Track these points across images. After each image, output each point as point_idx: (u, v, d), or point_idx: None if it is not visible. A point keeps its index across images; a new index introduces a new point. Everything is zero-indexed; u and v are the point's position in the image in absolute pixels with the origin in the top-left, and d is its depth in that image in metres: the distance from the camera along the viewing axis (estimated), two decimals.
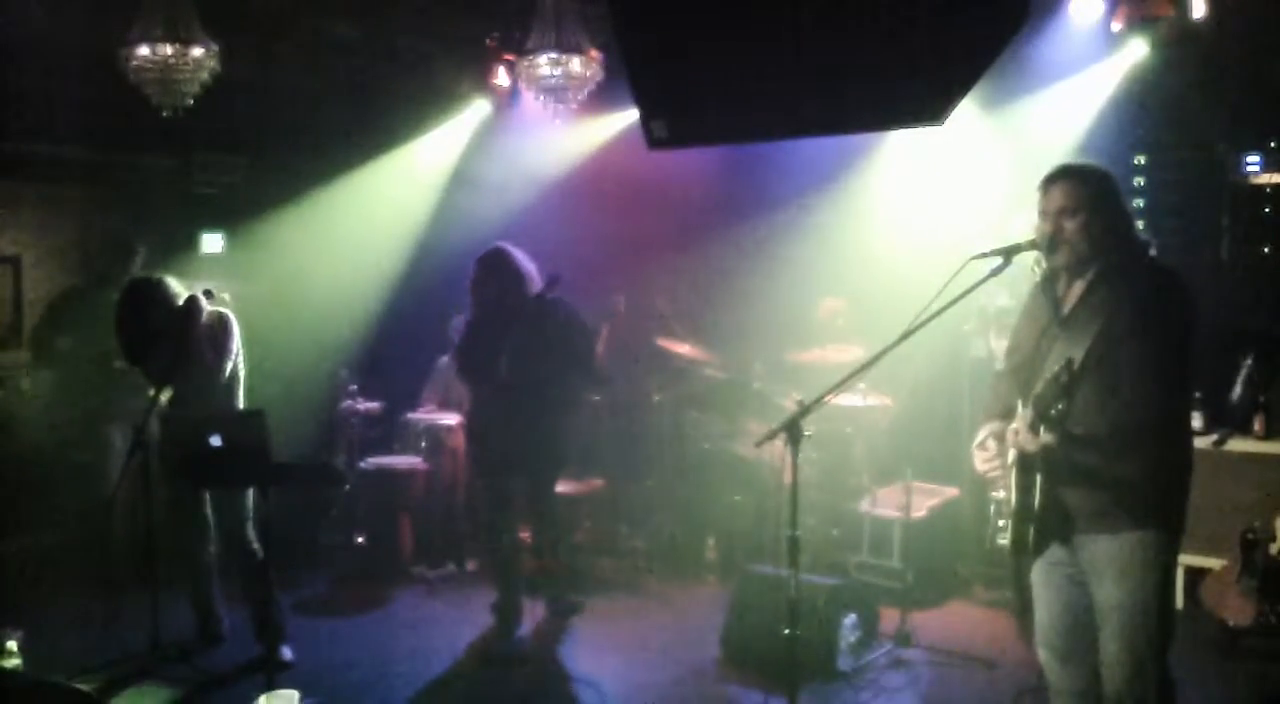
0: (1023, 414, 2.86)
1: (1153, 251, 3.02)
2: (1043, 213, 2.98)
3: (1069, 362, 2.69)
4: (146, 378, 4.72)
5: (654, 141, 3.03)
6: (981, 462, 3.07)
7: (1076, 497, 2.89)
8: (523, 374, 4.92)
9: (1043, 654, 3.12)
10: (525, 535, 5.88)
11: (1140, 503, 2.85)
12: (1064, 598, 3.03)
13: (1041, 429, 2.76)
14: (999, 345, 5.06)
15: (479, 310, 5.14)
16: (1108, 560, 2.87)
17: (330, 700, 4.30)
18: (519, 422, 4.98)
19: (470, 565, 6.11)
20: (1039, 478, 2.87)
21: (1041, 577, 3.09)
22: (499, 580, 5.23)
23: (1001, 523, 3.09)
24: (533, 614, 5.23)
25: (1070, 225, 2.92)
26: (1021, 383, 3.07)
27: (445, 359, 6.76)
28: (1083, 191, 2.94)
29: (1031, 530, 2.93)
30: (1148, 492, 2.86)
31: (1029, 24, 5.51)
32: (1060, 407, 2.70)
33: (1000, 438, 3.02)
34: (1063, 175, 2.98)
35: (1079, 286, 2.98)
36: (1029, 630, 3.29)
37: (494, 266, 5.04)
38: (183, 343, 4.49)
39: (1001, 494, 3.10)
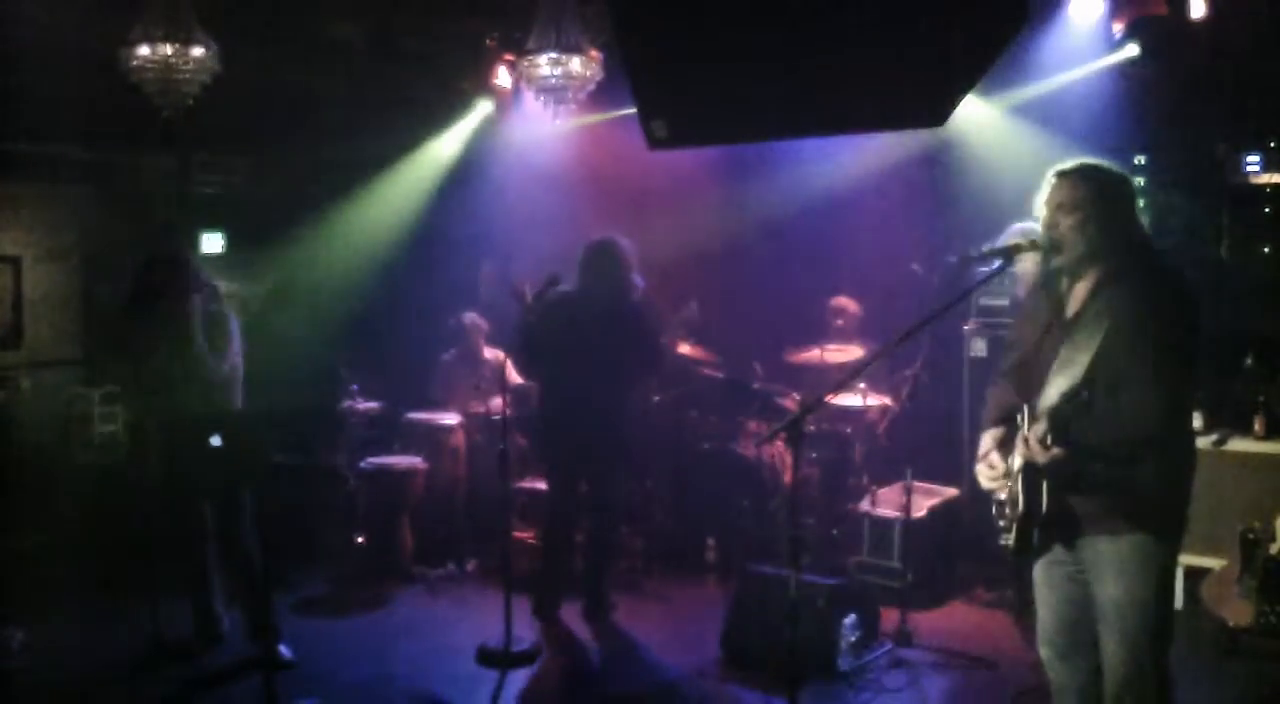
0: (1033, 423, 2.86)
1: (1161, 254, 3.02)
2: (1045, 202, 3.00)
3: (1088, 381, 2.70)
4: (149, 373, 4.72)
5: (654, 141, 3.03)
6: (987, 479, 3.07)
7: (1082, 501, 2.89)
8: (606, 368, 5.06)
9: (1044, 652, 3.13)
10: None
11: (1143, 505, 2.85)
12: (1065, 596, 3.04)
13: (1050, 441, 2.77)
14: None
15: (577, 297, 5.14)
16: (1109, 561, 2.88)
17: (330, 700, 4.30)
18: (598, 416, 5.08)
19: (470, 565, 6.10)
20: (1045, 484, 2.88)
21: (1042, 575, 3.09)
22: (552, 576, 5.25)
23: (1002, 523, 3.08)
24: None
25: (1066, 222, 2.93)
26: (1020, 383, 3.07)
27: (447, 357, 6.76)
28: (1082, 190, 2.94)
29: (1036, 533, 2.94)
30: (1151, 495, 2.86)
31: (1029, 24, 5.53)
32: (1081, 425, 2.71)
33: (1004, 451, 3.02)
34: (1070, 171, 2.99)
35: (1082, 288, 2.97)
36: (1028, 630, 3.30)
37: (603, 256, 5.13)
38: (182, 336, 4.48)
39: (1003, 495, 3.10)
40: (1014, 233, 4.77)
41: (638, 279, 5.17)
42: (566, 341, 5.05)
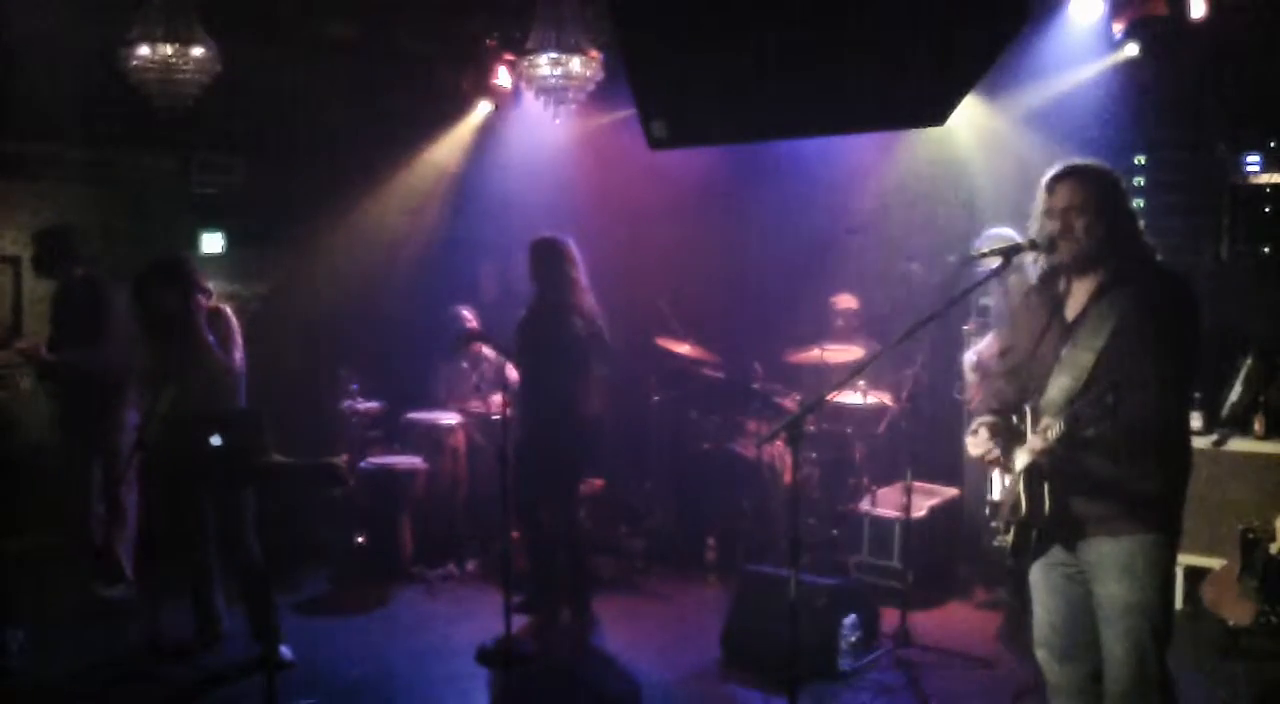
0: (1037, 423, 2.85)
1: (1158, 255, 3.01)
2: (1048, 211, 2.95)
3: (1092, 385, 2.70)
4: (152, 371, 4.72)
5: (654, 141, 3.04)
6: (973, 446, 3.06)
7: (1084, 503, 2.89)
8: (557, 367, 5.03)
9: (1041, 654, 3.12)
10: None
11: (1144, 505, 2.85)
12: (1063, 597, 3.03)
13: (1063, 441, 2.77)
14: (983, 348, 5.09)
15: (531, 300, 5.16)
16: (1111, 562, 2.87)
17: (330, 700, 4.30)
18: (553, 416, 5.07)
19: (470, 565, 6.11)
20: (1047, 486, 2.87)
21: (1040, 577, 3.09)
22: (536, 574, 5.27)
23: (997, 524, 3.08)
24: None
25: (1078, 224, 2.89)
26: (1019, 385, 3.07)
27: (445, 362, 6.77)
28: (1090, 190, 2.92)
29: (1034, 534, 2.93)
30: (1152, 494, 2.86)
31: (1029, 24, 5.53)
32: (1102, 428, 2.70)
33: (992, 428, 3.02)
34: (1070, 174, 2.96)
35: (1085, 289, 2.96)
36: (1024, 631, 3.30)
37: (546, 256, 5.12)
38: (187, 337, 4.48)
39: (997, 496, 3.10)
40: (990, 238, 4.78)
41: (583, 278, 5.14)
42: (524, 345, 5.08)
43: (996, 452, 3.01)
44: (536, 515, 5.23)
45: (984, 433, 3.03)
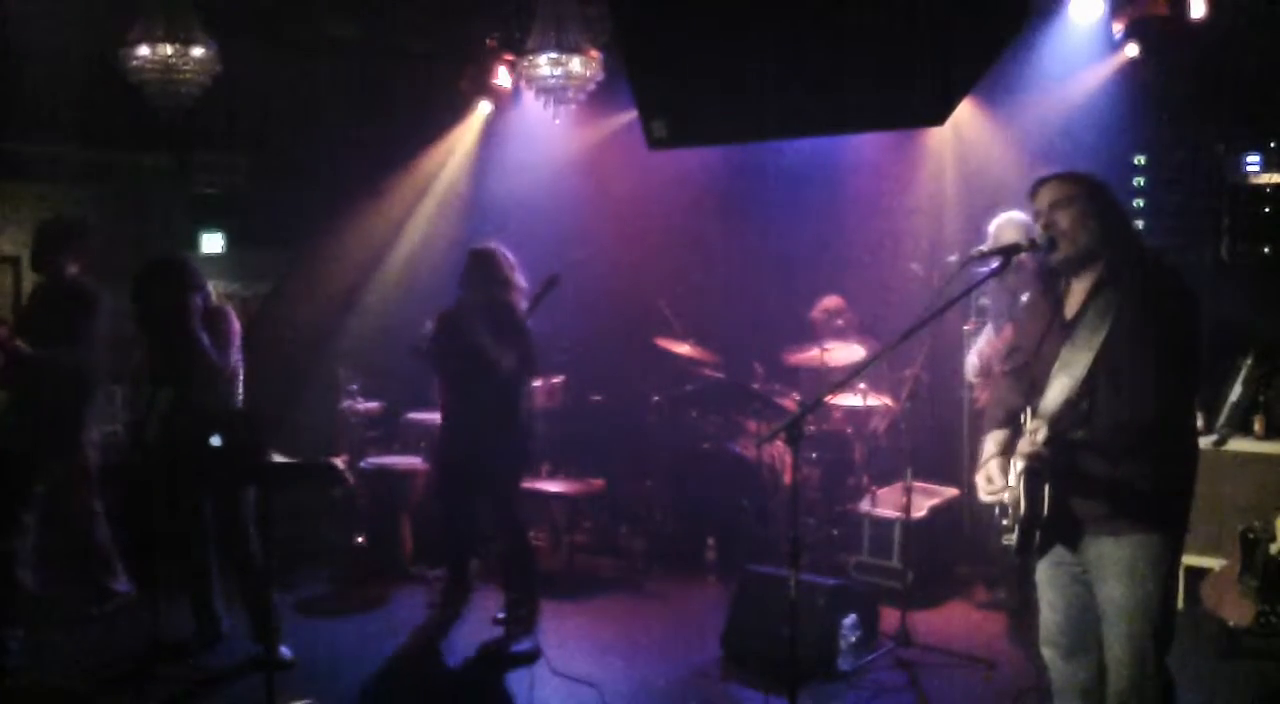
0: (1031, 423, 2.86)
1: (1154, 253, 3.02)
2: (1035, 214, 3.00)
3: (1085, 385, 2.71)
4: (151, 372, 4.72)
5: (654, 141, 3.04)
6: (985, 493, 3.03)
7: (1084, 502, 2.89)
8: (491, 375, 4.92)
9: (1046, 652, 3.13)
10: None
11: (1145, 505, 2.85)
12: (1068, 596, 3.03)
13: (1049, 444, 2.76)
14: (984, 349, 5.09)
15: (457, 309, 5.08)
16: (1113, 561, 2.87)
17: (330, 700, 4.30)
18: (490, 423, 4.92)
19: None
20: (1047, 485, 2.87)
21: (1046, 576, 3.09)
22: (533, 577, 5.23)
23: (1005, 523, 3.08)
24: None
25: (1063, 218, 2.92)
26: (1024, 385, 3.07)
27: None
28: (1069, 188, 2.95)
29: (1038, 534, 2.93)
30: (1153, 494, 2.85)
31: (1028, 25, 5.53)
32: (1079, 433, 2.70)
33: (1004, 469, 3.00)
34: (1048, 177, 3.00)
35: (1082, 288, 2.97)
36: (1024, 630, 3.30)
37: (478, 266, 5.05)
38: (183, 338, 4.49)
39: (1005, 495, 3.09)
40: (1003, 221, 4.77)
41: (520, 282, 5.05)
42: (453, 353, 4.99)
43: (1007, 494, 2.98)
44: (468, 534, 5.25)
45: (995, 471, 3.00)
